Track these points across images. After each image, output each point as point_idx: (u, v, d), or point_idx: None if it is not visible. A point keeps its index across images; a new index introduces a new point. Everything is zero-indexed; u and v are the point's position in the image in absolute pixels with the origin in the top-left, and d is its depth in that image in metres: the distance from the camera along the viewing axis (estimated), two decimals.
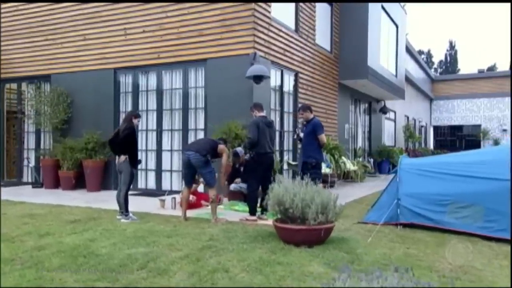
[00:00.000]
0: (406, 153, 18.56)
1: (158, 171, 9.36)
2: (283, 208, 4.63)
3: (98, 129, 9.71)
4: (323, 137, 6.71)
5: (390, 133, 19.55)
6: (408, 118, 23.29)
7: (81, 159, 9.51)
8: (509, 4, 24.46)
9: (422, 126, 27.66)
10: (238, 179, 7.48)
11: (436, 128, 31.81)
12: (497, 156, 5.82)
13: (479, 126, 30.09)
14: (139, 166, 9.38)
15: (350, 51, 12.36)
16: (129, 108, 9.78)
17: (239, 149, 7.19)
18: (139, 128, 9.60)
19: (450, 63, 64.25)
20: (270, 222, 5.91)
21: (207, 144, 6.03)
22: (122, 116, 9.83)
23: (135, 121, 6.16)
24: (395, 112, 19.97)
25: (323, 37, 11.62)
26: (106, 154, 9.66)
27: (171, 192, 9.00)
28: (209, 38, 8.57)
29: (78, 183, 9.77)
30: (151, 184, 9.48)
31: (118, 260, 4.15)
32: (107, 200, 8.26)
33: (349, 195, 8.92)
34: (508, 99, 29.31)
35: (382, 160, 15.73)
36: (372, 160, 15.25)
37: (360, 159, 13.28)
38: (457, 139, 31.63)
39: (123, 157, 6.02)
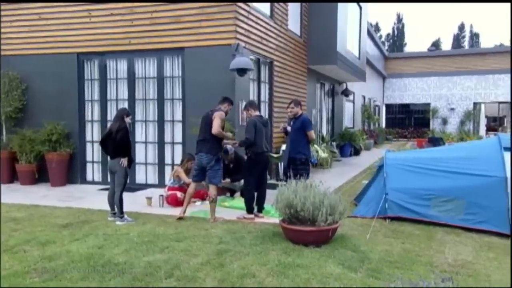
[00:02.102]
0: (366, 135, 19.79)
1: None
2: (294, 210, 5.14)
3: (61, 119, 9.57)
4: (312, 134, 7.23)
5: (349, 114, 20.63)
6: (364, 98, 24.58)
7: (44, 152, 9.37)
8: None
9: (376, 106, 29.26)
10: (228, 179, 7.85)
11: (388, 106, 33.73)
12: (477, 153, 6.69)
13: (429, 104, 32.34)
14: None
15: (319, 35, 12.91)
16: (96, 97, 9.72)
17: (229, 147, 7.54)
18: (109, 119, 9.61)
19: (398, 37, 67.57)
20: (267, 219, 6.46)
21: (213, 136, 6.24)
22: (88, 105, 9.81)
23: (127, 119, 6.31)
24: (353, 93, 21.01)
25: (293, 21, 12.05)
26: (71, 146, 9.59)
27: (146, 186, 9.22)
28: (187, 26, 8.69)
29: (38, 177, 9.66)
30: None
31: (141, 268, 4.46)
32: (83, 197, 8.34)
33: (326, 185, 9.56)
34: (456, 78, 31.72)
35: (345, 144, 16.70)
36: (335, 143, 16.14)
37: (325, 144, 14.07)
38: (407, 118, 33.84)
39: (125, 162, 6.18)
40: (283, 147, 10.14)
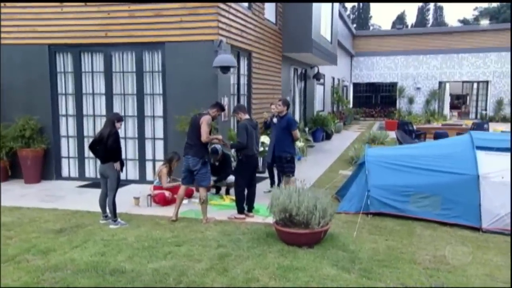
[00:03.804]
0: (338, 119, 20.56)
1: None
2: (288, 214, 5.70)
3: (32, 113, 9.62)
4: (296, 133, 7.87)
5: (319, 96, 21.33)
6: (334, 79, 25.33)
7: (17, 148, 9.45)
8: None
9: (344, 86, 30.14)
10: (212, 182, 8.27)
11: (355, 85, 34.80)
12: (451, 151, 7.44)
13: (396, 83, 33.61)
14: (86, 154, 9.74)
15: (295, 22, 13.32)
16: (70, 90, 9.82)
17: (218, 147, 7.97)
18: (85, 113, 9.78)
19: (363, 9, 69.04)
20: (257, 219, 7.01)
21: (200, 140, 6.61)
22: (62, 99, 9.91)
23: (117, 124, 6.60)
24: (324, 75, 21.68)
25: (268, 9, 12.39)
26: (45, 142, 9.70)
27: (126, 181, 9.52)
28: (168, 20, 8.90)
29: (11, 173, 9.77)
30: None
31: (149, 276, 4.90)
32: (63, 196, 8.57)
33: (303, 178, 10.04)
34: (422, 57, 33.01)
35: (317, 129, 17.40)
36: (307, 129, 16.79)
37: (300, 133, 14.68)
38: (374, 96, 35.03)
39: (118, 166, 6.52)
40: (262, 138, 10.69)
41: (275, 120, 8.19)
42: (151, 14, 8.98)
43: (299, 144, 12.56)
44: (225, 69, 8.48)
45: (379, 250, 5.81)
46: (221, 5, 8.88)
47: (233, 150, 7.68)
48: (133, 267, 5.14)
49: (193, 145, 6.66)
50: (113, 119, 6.61)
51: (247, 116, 7.06)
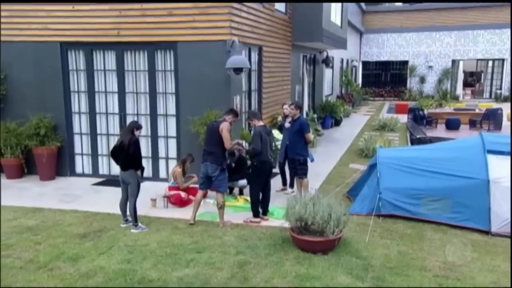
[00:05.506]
0: (347, 105, 20.88)
1: None
2: (304, 223, 6.21)
3: (45, 110, 10.06)
4: (309, 136, 8.33)
5: (328, 80, 21.64)
6: (343, 60, 25.55)
7: (33, 146, 9.93)
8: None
9: (353, 66, 30.33)
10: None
11: (364, 64, 34.90)
12: (462, 154, 7.87)
13: (407, 62, 33.71)
14: (99, 151, 10.24)
15: (305, 11, 13.54)
16: (83, 88, 10.23)
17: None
18: (98, 111, 10.24)
19: None
20: (272, 222, 7.52)
21: (219, 147, 7.09)
22: (75, 97, 10.34)
23: (137, 132, 7.05)
24: (332, 57, 21.92)
25: None
26: (59, 139, 10.18)
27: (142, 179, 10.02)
28: (180, 19, 9.23)
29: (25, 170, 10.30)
30: (115, 170, 10.22)
31: (175, 284, 5.44)
32: (80, 195, 9.10)
33: (314, 173, 10.48)
34: (435, 33, 33.01)
35: (326, 116, 17.79)
36: (316, 116, 17.18)
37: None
38: (383, 75, 35.13)
39: (139, 173, 7.03)
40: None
41: (287, 124, 8.63)
42: (163, 13, 9.31)
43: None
44: (238, 70, 8.86)
45: (390, 256, 6.31)
46: (234, 4, 9.18)
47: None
48: (158, 275, 5.67)
49: (211, 153, 7.12)
50: (132, 128, 7.06)
51: (261, 123, 7.50)
